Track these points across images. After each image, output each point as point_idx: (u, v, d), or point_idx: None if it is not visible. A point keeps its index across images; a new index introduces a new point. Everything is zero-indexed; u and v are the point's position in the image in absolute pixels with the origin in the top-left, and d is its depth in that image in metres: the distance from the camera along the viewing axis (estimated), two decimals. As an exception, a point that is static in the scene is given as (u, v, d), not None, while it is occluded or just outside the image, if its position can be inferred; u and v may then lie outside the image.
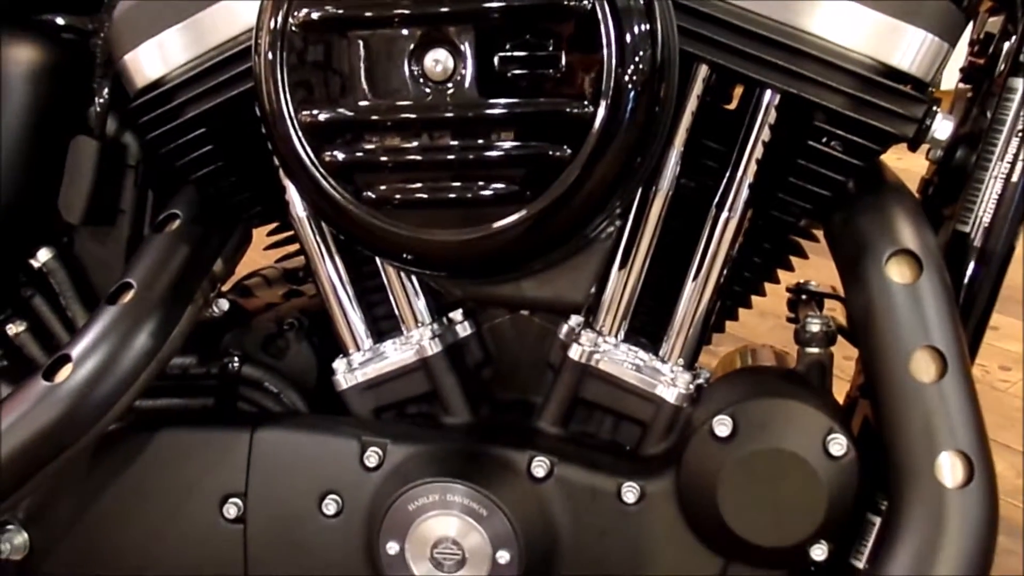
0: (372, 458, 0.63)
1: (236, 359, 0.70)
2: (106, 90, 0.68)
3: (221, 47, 0.62)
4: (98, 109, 0.68)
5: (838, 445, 0.57)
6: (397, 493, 0.61)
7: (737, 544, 0.59)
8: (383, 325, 0.69)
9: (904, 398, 0.54)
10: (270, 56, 0.52)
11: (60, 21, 0.71)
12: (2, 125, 0.68)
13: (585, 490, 0.61)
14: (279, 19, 0.51)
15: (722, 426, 0.58)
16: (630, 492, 0.61)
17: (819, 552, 0.58)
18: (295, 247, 0.70)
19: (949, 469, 0.54)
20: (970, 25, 0.62)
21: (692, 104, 0.58)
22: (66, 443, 0.62)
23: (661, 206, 0.61)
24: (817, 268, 0.71)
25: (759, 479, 0.57)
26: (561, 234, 0.52)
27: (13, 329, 0.73)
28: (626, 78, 0.49)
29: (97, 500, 0.68)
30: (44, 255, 0.71)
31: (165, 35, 0.63)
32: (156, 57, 0.63)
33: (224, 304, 0.70)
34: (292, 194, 0.66)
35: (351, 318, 0.68)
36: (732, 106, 0.64)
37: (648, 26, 0.49)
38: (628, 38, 0.49)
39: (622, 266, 0.62)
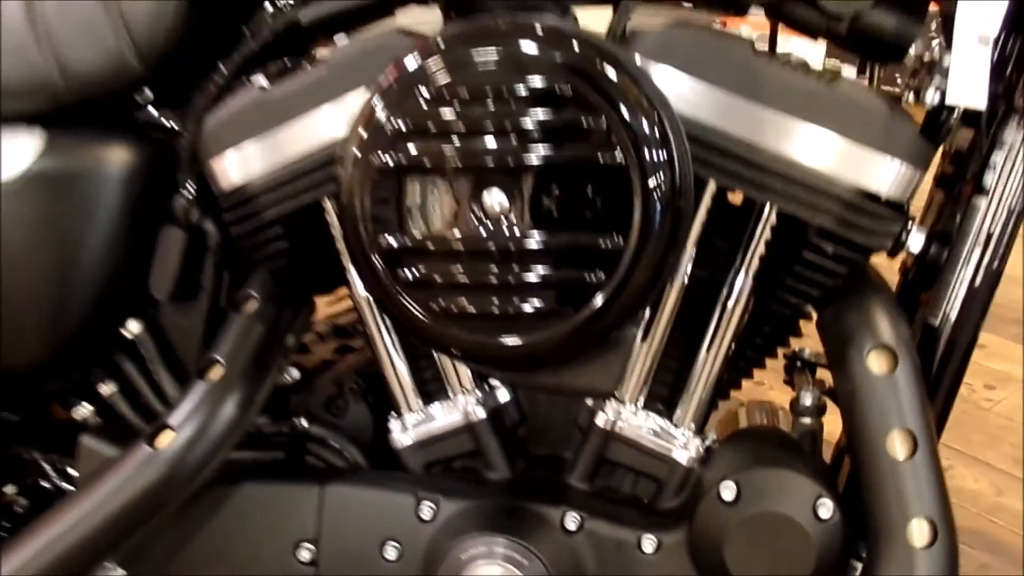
0: (426, 511, 0.74)
1: (304, 419, 0.81)
2: (190, 185, 0.78)
3: (296, 162, 0.71)
4: (184, 203, 0.78)
5: (826, 509, 0.67)
6: (450, 545, 0.71)
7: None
8: (430, 387, 0.79)
9: (881, 472, 0.65)
10: (354, 190, 0.62)
11: (152, 112, 0.80)
12: (101, 217, 0.78)
13: (610, 541, 0.72)
14: (364, 161, 0.62)
15: (728, 491, 0.69)
16: (648, 543, 0.71)
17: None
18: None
19: (917, 532, 0.64)
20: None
21: (702, 215, 0.68)
22: (166, 501, 0.72)
23: (677, 296, 0.71)
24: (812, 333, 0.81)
25: (759, 537, 0.68)
26: (593, 341, 0.63)
27: (106, 390, 0.83)
28: (651, 212, 0.59)
29: (187, 542, 0.78)
30: (134, 326, 0.81)
31: (247, 147, 0.73)
32: (239, 165, 0.73)
33: (295, 373, 0.81)
34: (354, 278, 0.76)
35: (404, 383, 0.78)
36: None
37: (667, 161, 0.60)
38: (652, 182, 0.59)
39: (642, 343, 0.73)
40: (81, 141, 0.77)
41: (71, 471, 0.86)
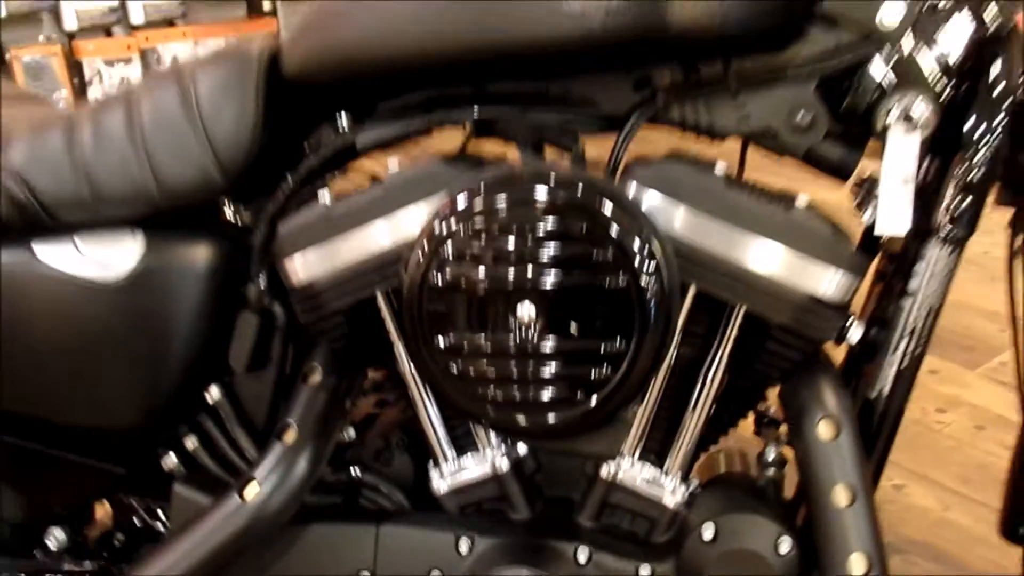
0: (464, 546, 0.91)
1: (358, 469, 0.98)
2: (262, 277, 0.94)
3: (354, 266, 0.87)
4: (257, 291, 0.94)
5: (785, 546, 0.85)
6: (483, 574, 0.88)
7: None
8: (462, 441, 0.96)
9: (828, 517, 0.83)
10: (412, 298, 0.79)
11: (227, 212, 0.96)
12: (190, 306, 0.94)
13: (614, 571, 0.89)
14: (421, 276, 0.78)
15: (708, 531, 0.86)
16: (644, 572, 0.89)
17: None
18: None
19: (856, 565, 0.82)
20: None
21: (685, 312, 0.85)
22: (252, 544, 0.89)
23: (665, 373, 0.88)
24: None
25: (733, 569, 0.85)
26: (600, 422, 0.80)
27: (190, 444, 0.99)
28: (646, 322, 0.77)
29: (260, 571, 0.95)
30: (215, 392, 0.98)
31: (314, 252, 0.89)
32: (307, 267, 0.89)
33: (352, 432, 0.97)
34: (401, 356, 0.92)
35: (441, 438, 0.95)
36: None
37: (658, 277, 0.77)
38: (647, 296, 0.76)
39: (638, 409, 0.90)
40: (174, 243, 0.93)
41: (159, 511, 1.02)
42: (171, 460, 1.00)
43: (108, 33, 3.73)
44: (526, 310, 0.78)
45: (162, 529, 1.04)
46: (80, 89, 3.66)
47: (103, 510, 1.08)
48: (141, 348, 0.93)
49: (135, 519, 1.03)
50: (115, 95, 0.97)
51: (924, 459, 1.76)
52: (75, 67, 3.64)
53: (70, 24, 3.59)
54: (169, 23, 3.85)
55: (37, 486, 1.03)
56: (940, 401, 1.96)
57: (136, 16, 3.73)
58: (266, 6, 4.15)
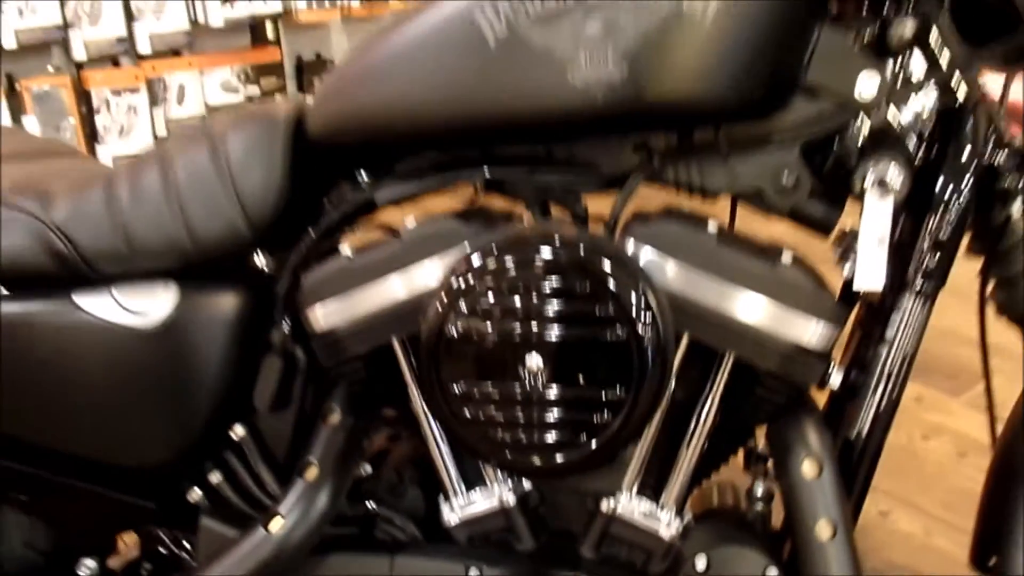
0: (474, 573, 0.98)
1: (372, 502, 1.04)
2: (285, 323, 1.01)
3: (371, 316, 0.95)
4: (280, 336, 1.01)
5: (772, 573, 0.92)
6: (493, 602, 0.95)
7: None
8: (471, 476, 1.03)
9: (811, 549, 0.90)
10: (432, 347, 0.86)
11: (254, 262, 1.03)
12: (218, 351, 1.01)
13: (613, 600, 0.96)
14: (437, 329, 0.85)
15: (701, 562, 0.93)
16: (642, 600, 0.95)
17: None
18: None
19: (837, 593, 0.89)
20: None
21: (679, 359, 0.92)
22: (275, 573, 0.95)
23: (662, 415, 0.94)
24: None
25: (723, 597, 0.92)
26: (600, 463, 0.87)
27: (215, 478, 1.06)
28: (644, 370, 0.84)
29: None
30: (239, 430, 1.05)
31: (335, 303, 0.96)
32: (328, 316, 0.96)
33: (368, 467, 1.04)
34: (414, 395, 0.99)
35: (452, 474, 1.01)
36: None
37: (654, 328, 0.84)
38: (644, 346, 0.83)
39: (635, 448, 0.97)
40: (205, 292, 1.00)
41: (185, 543, 1.09)
42: (196, 494, 1.07)
43: (116, 63, 3.81)
44: (533, 360, 0.85)
45: (187, 559, 1.10)
46: (88, 118, 3.74)
47: (132, 540, 1.14)
48: (173, 390, 1.00)
49: (162, 549, 1.09)
50: (150, 153, 1.04)
51: (909, 486, 1.82)
52: (83, 96, 3.71)
53: (79, 54, 3.67)
54: (175, 53, 3.93)
55: (70, 518, 1.10)
56: (925, 428, 2.03)
57: (143, 46, 3.81)
58: (269, 35, 4.23)
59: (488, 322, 0.85)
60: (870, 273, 0.87)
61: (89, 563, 1.09)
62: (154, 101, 3.90)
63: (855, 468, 0.95)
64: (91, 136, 3.77)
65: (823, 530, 0.90)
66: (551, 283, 0.84)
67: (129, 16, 3.81)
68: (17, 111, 3.62)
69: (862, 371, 0.95)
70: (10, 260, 0.98)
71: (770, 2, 0.83)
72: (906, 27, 0.87)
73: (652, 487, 0.99)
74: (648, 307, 0.84)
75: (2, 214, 0.98)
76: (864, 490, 0.96)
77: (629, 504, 0.97)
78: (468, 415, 0.87)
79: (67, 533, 1.10)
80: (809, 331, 0.89)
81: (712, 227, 0.92)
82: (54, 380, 0.99)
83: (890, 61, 0.88)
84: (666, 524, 0.97)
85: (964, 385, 2.15)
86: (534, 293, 0.84)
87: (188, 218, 0.99)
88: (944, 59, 0.89)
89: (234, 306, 1.01)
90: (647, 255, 0.89)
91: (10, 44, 3.52)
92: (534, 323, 0.84)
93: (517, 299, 0.85)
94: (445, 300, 0.86)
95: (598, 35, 0.83)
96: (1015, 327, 1.00)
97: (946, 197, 0.89)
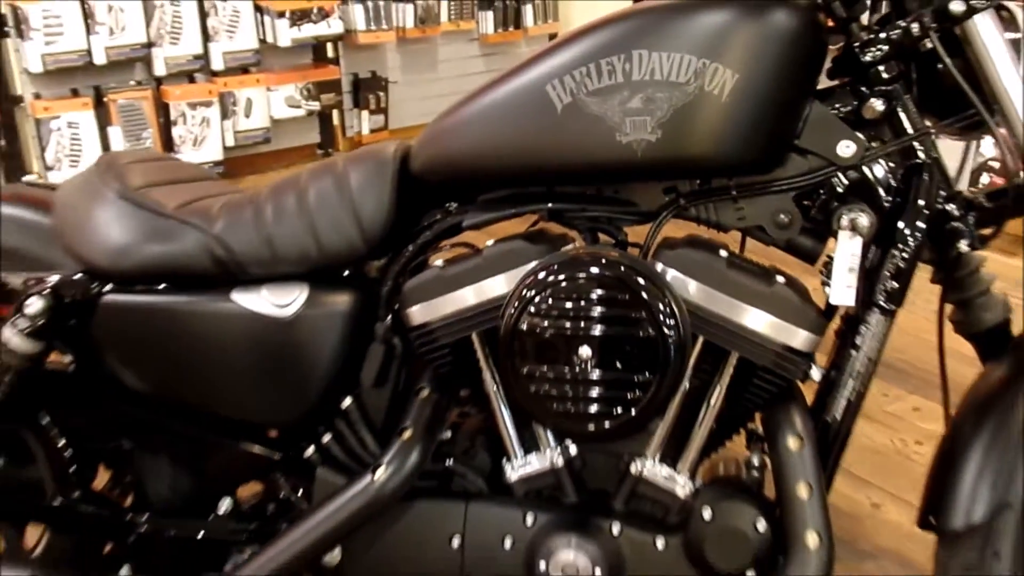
0: (529, 519, 1.25)
1: (451, 461, 1.32)
2: (388, 319, 1.30)
3: (456, 315, 1.22)
4: (383, 329, 1.29)
5: (761, 525, 1.18)
6: (544, 540, 1.22)
7: (715, 573, 1.20)
8: (528, 443, 1.30)
9: (793, 505, 1.16)
10: (507, 339, 1.14)
11: (368, 269, 1.31)
12: (335, 338, 1.29)
13: (638, 541, 1.22)
14: (512, 324, 1.13)
15: (707, 513, 1.20)
16: (660, 542, 1.22)
17: (750, 574, 1.20)
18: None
19: (811, 539, 1.15)
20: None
21: (695, 356, 1.19)
22: (376, 513, 1.23)
23: (679, 398, 1.21)
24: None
25: (723, 540, 1.19)
26: (632, 431, 1.14)
27: (326, 439, 1.34)
28: (668, 360, 1.11)
29: (381, 533, 1.29)
30: (348, 401, 1.33)
31: (429, 304, 1.24)
32: (423, 314, 1.24)
33: (448, 433, 1.32)
34: (486, 376, 1.26)
35: (513, 441, 1.28)
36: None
37: (676, 331, 1.11)
38: (668, 343, 1.10)
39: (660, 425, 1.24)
40: (328, 292, 1.29)
41: (300, 491, 1.37)
42: (311, 451, 1.35)
43: (191, 79, 4.15)
44: (583, 350, 1.12)
45: (301, 502, 1.38)
46: (165, 128, 4.08)
47: (259, 487, 1.43)
48: (300, 367, 1.29)
49: (282, 494, 1.37)
50: (287, 181, 1.33)
51: (900, 483, 2.07)
52: (162, 108, 4.05)
53: (159, 70, 4.01)
54: (244, 70, 4.27)
55: (213, 467, 1.39)
56: (920, 435, 2.28)
57: (217, 63, 4.15)
58: (329, 54, 4.56)
59: (549, 321, 1.13)
60: (842, 293, 1.14)
61: (226, 501, 1.38)
62: (224, 114, 4.24)
63: (830, 445, 1.21)
64: (167, 146, 4.11)
65: (802, 490, 1.16)
66: (598, 293, 1.12)
67: (206, 36, 4.15)
68: (104, 121, 3.98)
69: (837, 370, 1.22)
70: (182, 263, 1.27)
71: (771, 85, 1.10)
72: (876, 106, 1.14)
73: (671, 457, 1.25)
74: (672, 314, 1.11)
75: (176, 228, 1.28)
76: (836, 461, 1.22)
77: (653, 469, 1.24)
78: (533, 391, 1.15)
79: (210, 478, 1.39)
80: (796, 337, 1.16)
81: (724, 253, 1.19)
82: (211, 356, 1.29)
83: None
84: (681, 486, 1.23)
85: (957, 398, 2.39)
86: (584, 300, 1.12)
87: (317, 234, 1.27)
88: (909, 129, 1.16)
89: (349, 303, 1.29)
90: (672, 274, 1.17)
91: (100, 60, 3.86)
92: (584, 322, 1.12)
93: (571, 304, 1.12)
94: (517, 303, 1.14)
95: (640, 107, 1.11)
96: (970, 342, 1.26)
97: (906, 235, 1.15)
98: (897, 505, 2.03)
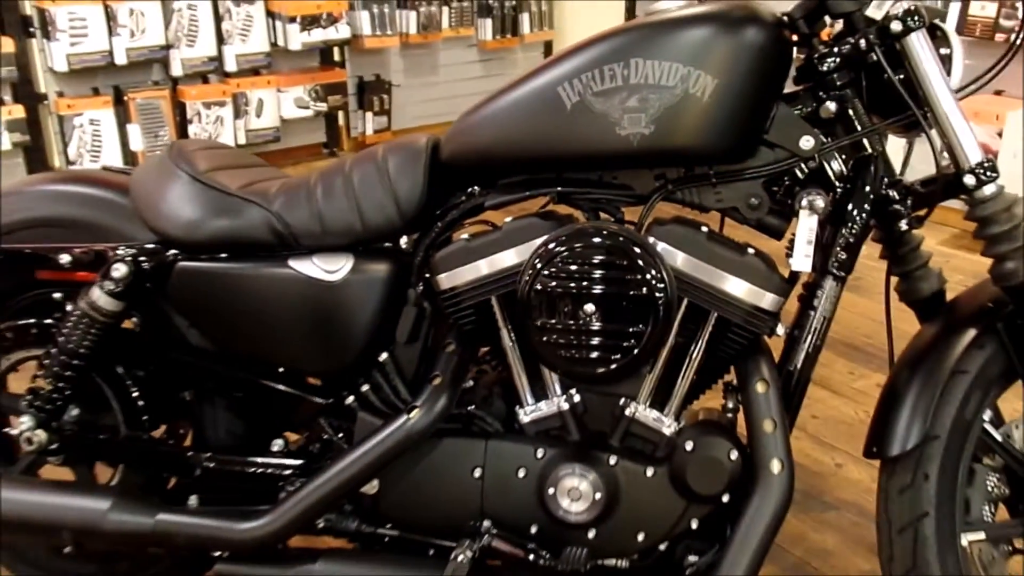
0: (539, 453, 1.48)
1: (472, 407, 1.55)
2: (420, 285, 1.52)
3: (479, 280, 1.45)
4: (415, 294, 1.52)
5: (734, 455, 1.42)
6: (551, 470, 1.46)
7: (695, 496, 1.44)
8: (537, 392, 1.53)
9: (759, 438, 1.39)
10: (524, 297, 1.37)
11: (403, 241, 1.54)
12: (375, 300, 1.51)
13: (631, 470, 1.46)
14: (530, 284, 1.36)
15: (689, 445, 1.43)
16: (650, 471, 1.45)
17: (725, 497, 1.43)
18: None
19: (776, 466, 1.39)
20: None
21: (680, 315, 1.42)
22: (410, 447, 1.46)
23: (666, 351, 1.44)
24: (738, 373, 1.55)
25: (702, 468, 1.42)
26: (628, 375, 1.38)
27: (364, 388, 1.57)
28: (658, 315, 1.34)
29: (413, 466, 1.52)
30: (384, 355, 1.56)
31: (455, 272, 1.47)
32: (450, 280, 1.47)
33: (470, 383, 1.55)
34: (503, 334, 1.49)
35: (525, 389, 1.51)
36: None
37: (665, 292, 1.34)
38: (658, 301, 1.34)
39: (648, 374, 1.47)
40: (369, 261, 1.51)
41: (341, 433, 1.60)
42: (350, 399, 1.58)
43: (205, 79, 4.36)
44: (588, 307, 1.35)
45: (337, 441, 1.60)
46: (181, 126, 4.29)
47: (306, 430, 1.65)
48: (345, 323, 1.51)
49: (324, 435, 1.60)
50: (334, 167, 1.55)
51: (860, 446, 2.30)
52: (179, 107, 4.27)
53: (176, 71, 4.23)
54: (255, 72, 4.48)
55: (267, 411, 1.61)
56: (860, 396, 2.57)
57: (230, 65, 4.37)
58: (336, 58, 4.78)
59: (560, 282, 1.36)
60: (801, 261, 1.38)
61: (278, 442, 1.61)
62: (237, 113, 4.46)
63: (793, 390, 1.45)
64: (184, 142, 4.30)
65: (768, 426, 1.40)
66: (601, 259, 1.35)
67: (220, 39, 4.37)
68: (123, 119, 4.19)
69: (799, 328, 1.45)
70: (246, 235, 1.50)
71: (745, 88, 1.34)
72: (831, 107, 1.38)
73: (659, 403, 1.49)
74: (662, 278, 1.34)
75: (242, 206, 1.50)
76: (798, 404, 1.46)
77: (643, 412, 1.47)
78: (546, 341, 1.38)
79: (263, 422, 1.62)
80: (765, 299, 1.40)
81: (704, 229, 1.42)
82: (270, 314, 1.51)
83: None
84: (667, 426, 1.47)
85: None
86: (589, 265, 1.35)
87: (361, 211, 1.50)
88: (859, 126, 1.40)
89: (387, 271, 1.52)
90: (662, 246, 1.40)
91: (121, 61, 4.08)
92: (589, 284, 1.35)
93: (578, 269, 1.35)
94: (534, 268, 1.37)
95: (636, 106, 1.35)
96: (911, 307, 1.50)
97: (854, 215, 1.39)
98: (858, 465, 2.28)
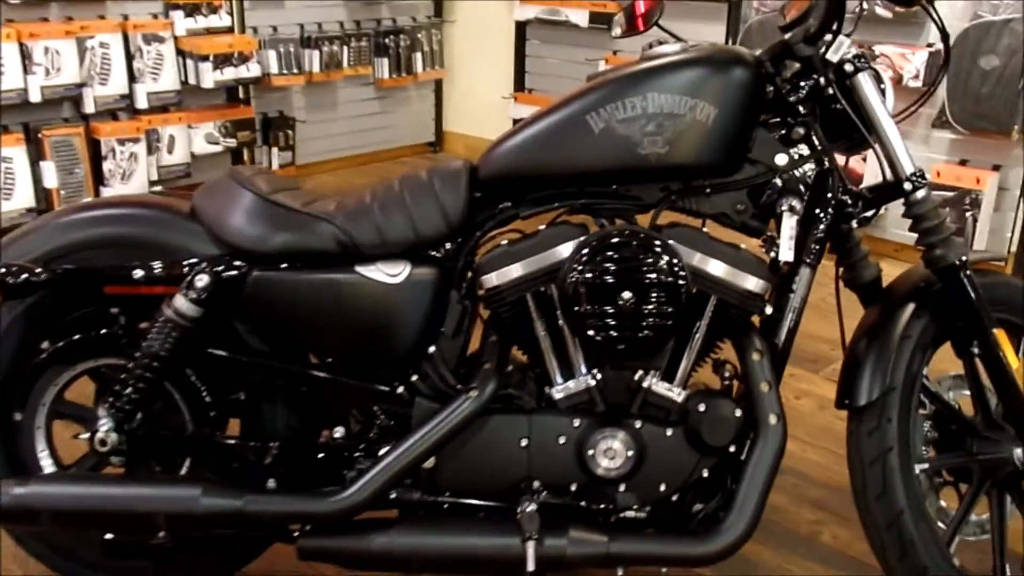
0: (576, 423, 1.76)
1: (510, 388, 1.81)
2: (464, 286, 1.78)
3: (518, 279, 1.72)
4: (457, 294, 1.77)
5: (738, 412, 1.74)
6: (588, 435, 1.73)
7: (707, 448, 1.75)
8: (565, 372, 1.80)
9: (759, 397, 1.72)
10: (563, 290, 1.65)
11: (448, 248, 1.78)
12: (425, 300, 1.75)
13: (653, 431, 1.75)
14: (571, 275, 1.64)
15: (701, 407, 1.74)
16: (669, 431, 1.75)
17: (732, 448, 1.75)
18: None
19: (772, 421, 1.72)
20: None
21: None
22: (467, 425, 1.70)
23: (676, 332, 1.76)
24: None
25: (713, 424, 1.73)
26: (651, 349, 1.68)
27: (414, 378, 1.80)
28: (675, 297, 1.65)
29: (466, 441, 1.75)
30: (432, 348, 1.79)
31: (499, 272, 1.73)
32: (495, 279, 1.73)
33: (510, 367, 1.81)
34: (537, 325, 1.76)
35: (556, 370, 1.79)
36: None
37: (676, 277, 1.66)
38: (674, 286, 1.65)
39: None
40: (422, 265, 1.75)
41: (393, 418, 1.81)
42: (401, 388, 1.80)
43: (114, 116, 4.41)
44: (625, 294, 1.65)
45: (391, 427, 1.81)
46: (95, 162, 4.32)
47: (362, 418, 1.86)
48: (404, 319, 1.74)
49: (377, 422, 1.81)
50: (385, 186, 1.79)
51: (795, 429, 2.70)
52: (92, 144, 4.30)
53: (88, 108, 4.26)
54: (165, 109, 4.56)
55: (330, 401, 1.81)
56: (796, 392, 2.94)
57: (141, 102, 4.43)
58: (241, 95, 4.92)
59: (592, 276, 1.65)
60: (786, 254, 1.72)
61: (339, 430, 1.81)
62: (150, 150, 4.52)
63: (780, 358, 1.79)
64: (98, 180, 4.35)
65: (764, 387, 1.73)
66: (625, 256, 1.65)
67: (132, 77, 4.44)
68: (36, 156, 4.19)
69: (779, 308, 1.80)
70: (313, 247, 1.71)
71: (736, 115, 1.68)
72: (799, 131, 1.74)
73: (668, 377, 1.79)
74: (681, 268, 1.66)
75: (309, 221, 1.71)
76: (781, 370, 1.80)
77: (657, 384, 1.77)
78: (590, 323, 1.66)
79: (328, 409, 1.81)
80: (754, 285, 1.73)
81: (705, 230, 1.75)
82: (337, 315, 1.72)
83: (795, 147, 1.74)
84: (677, 395, 1.77)
85: (820, 366, 3.09)
86: (624, 260, 1.64)
87: (413, 222, 1.74)
88: (819, 146, 1.76)
89: (436, 275, 1.76)
90: (672, 243, 1.71)
91: (36, 98, 4.10)
92: (622, 276, 1.65)
93: (613, 264, 1.65)
94: (569, 266, 1.65)
95: (653, 130, 1.66)
96: (855, 292, 1.88)
97: (820, 216, 1.75)
98: (792, 442, 2.65)
